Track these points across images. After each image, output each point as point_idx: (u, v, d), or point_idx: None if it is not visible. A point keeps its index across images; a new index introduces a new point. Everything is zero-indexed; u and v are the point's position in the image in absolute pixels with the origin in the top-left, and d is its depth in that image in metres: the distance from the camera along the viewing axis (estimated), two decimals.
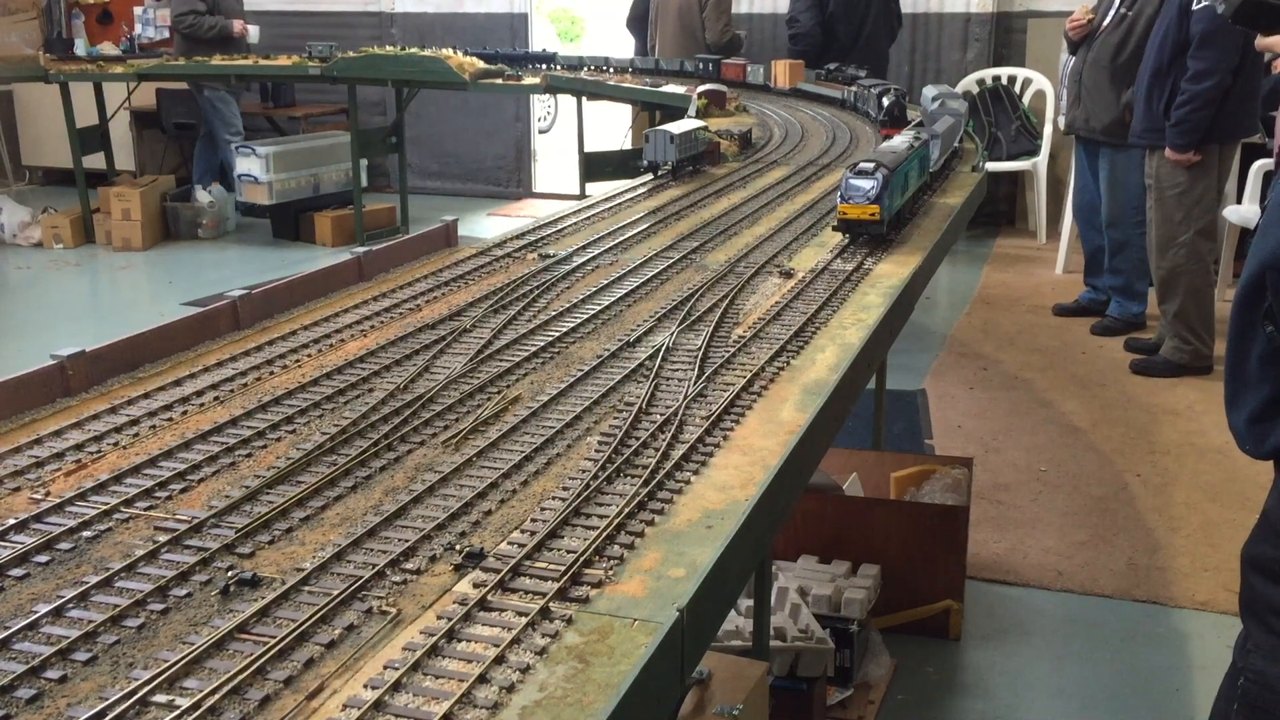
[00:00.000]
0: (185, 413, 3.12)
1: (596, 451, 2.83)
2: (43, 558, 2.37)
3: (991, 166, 10.72)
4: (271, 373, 3.43)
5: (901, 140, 5.27)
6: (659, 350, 3.45)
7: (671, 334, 3.64)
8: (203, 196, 13.00)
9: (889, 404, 6.57)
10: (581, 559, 2.30)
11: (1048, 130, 12.57)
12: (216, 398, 3.22)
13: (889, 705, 4.82)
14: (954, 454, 6.08)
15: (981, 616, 5.48)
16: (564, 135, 17.68)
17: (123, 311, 10.55)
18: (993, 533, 6.21)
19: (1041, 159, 12.55)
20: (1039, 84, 12.86)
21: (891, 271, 4.37)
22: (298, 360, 3.53)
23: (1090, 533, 6.24)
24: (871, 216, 4.51)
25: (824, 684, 4.63)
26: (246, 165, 12.53)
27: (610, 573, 2.27)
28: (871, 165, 4.51)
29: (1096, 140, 9.57)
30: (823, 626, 4.67)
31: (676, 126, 6.35)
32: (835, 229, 4.74)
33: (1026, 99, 13.03)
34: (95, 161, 13.22)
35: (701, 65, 10.78)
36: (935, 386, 8.33)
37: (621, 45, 14.08)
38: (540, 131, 17.23)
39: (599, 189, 6.01)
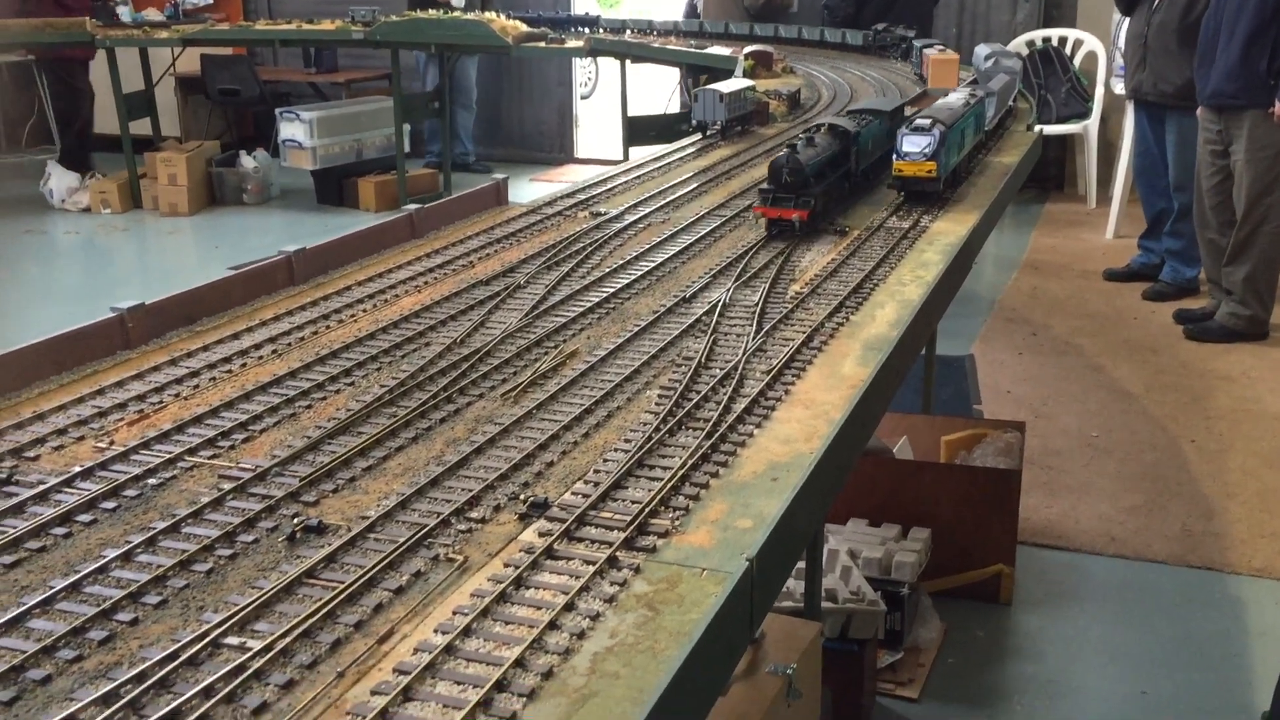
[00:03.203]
0: (244, 365, 3.13)
1: (657, 405, 2.80)
2: (109, 504, 2.38)
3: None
4: (328, 327, 3.43)
5: (957, 97, 5.18)
6: (716, 306, 3.42)
7: (728, 290, 3.61)
8: (247, 162, 13.06)
9: (937, 369, 6.50)
10: (647, 509, 2.28)
11: (1099, 92, 12.35)
12: (274, 351, 3.23)
13: (939, 668, 4.79)
14: (1004, 419, 6.01)
15: (1032, 581, 5.42)
16: (606, 101, 17.59)
17: (171, 276, 10.63)
18: (1044, 498, 6.14)
19: (1093, 122, 12.34)
20: (1090, 45, 12.63)
21: (949, 229, 4.30)
22: (353, 315, 3.53)
23: (1144, 498, 6.16)
24: (928, 174, 4.44)
25: (875, 646, 4.60)
26: (290, 130, 12.56)
27: (676, 523, 2.25)
28: (928, 121, 4.43)
29: (1164, 104, 9.39)
30: (873, 589, 4.64)
31: (725, 85, 6.28)
32: (890, 186, 4.67)
33: (1077, 60, 12.80)
34: (141, 127, 13.30)
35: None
36: (984, 352, 8.23)
37: (663, 9, 13.95)
38: (582, 97, 17.15)
39: (642, 154, 5.95)
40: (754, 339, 3.18)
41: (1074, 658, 4.79)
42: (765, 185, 4.06)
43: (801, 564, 3.92)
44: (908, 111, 5.37)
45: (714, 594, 2.00)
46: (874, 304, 3.51)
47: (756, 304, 3.46)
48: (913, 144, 4.45)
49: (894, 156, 4.50)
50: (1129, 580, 5.35)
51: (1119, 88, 11.02)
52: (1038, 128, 6.61)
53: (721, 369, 2.98)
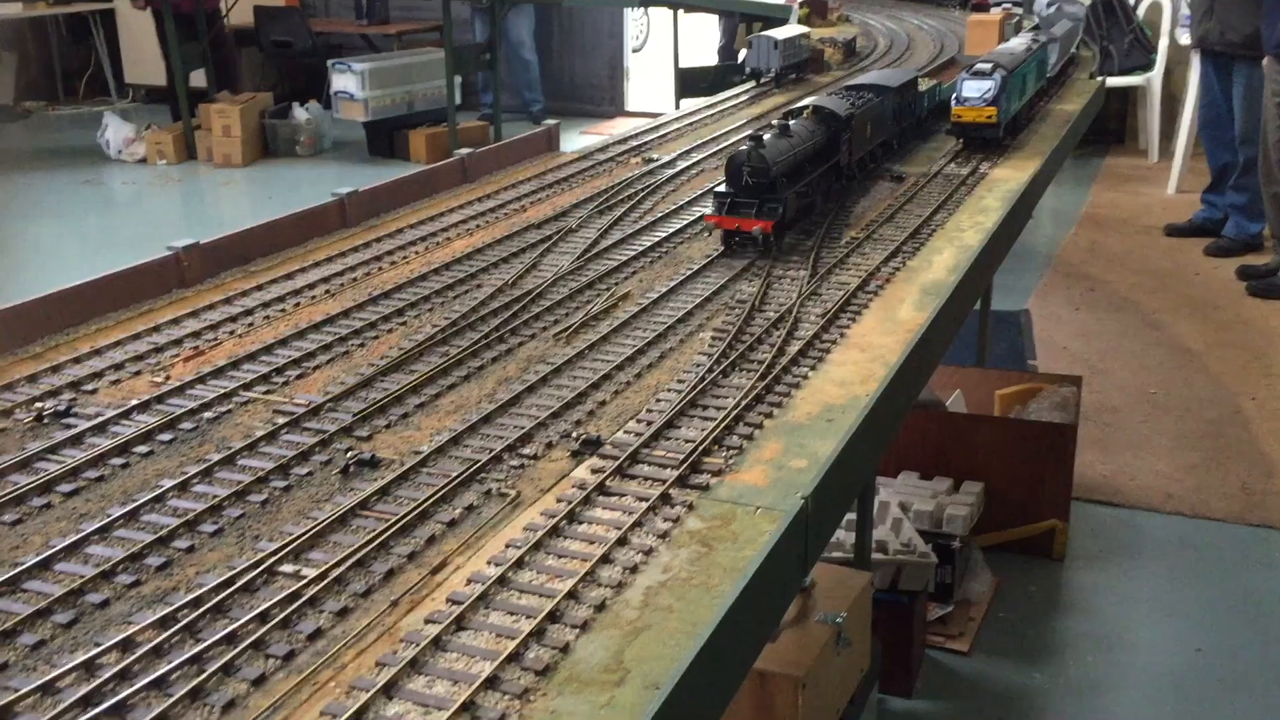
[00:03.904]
0: (297, 304, 3.14)
1: (710, 346, 2.78)
2: (166, 437, 2.40)
3: None
4: (380, 268, 3.43)
5: (1019, 42, 5.06)
6: (770, 250, 3.37)
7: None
8: (300, 114, 13.10)
9: (992, 324, 6.40)
10: (700, 448, 2.26)
11: (1163, 43, 12.03)
12: (327, 291, 3.23)
13: (990, 622, 4.76)
14: (1060, 374, 5.92)
15: (1086, 537, 5.35)
16: (656, 54, 17.42)
17: (225, 226, 10.69)
18: (1099, 454, 6.05)
19: (1156, 74, 12.04)
20: None
21: (1009, 176, 4.21)
22: (405, 257, 3.53)
23: (1202, 456, 6.05)
24: (988, 120, 4.34)
25: (925, 599, 4.57)
26: (342, 82, 12.57)
27: (730, 462, 2.23)
28: (989, 66, 4.33)
29: (1232, 54, 9.13)
30: (924, 542, 4.60)
31: (780, 32, 6.18)
32: (948, 133, 4.57)
33: (1141, 11, 12.46)
34: (196, 79, 13.37)
35: None
36: (1040, 307, 8.10)
37: None
38: (634, 50, 17.00)
39: (695, 104, 5.88)
40: (808, 283, 3.14)
41: (1128, 614, 4.73)
42: (720, 186, 3.34)
43: (851, 515, 3.89)
44: (924, 86, 4.78)
45: (768, 531, 1.98)
46: (931, 249, 3.45)
47: (811, 248, 3.41)
48: (973, 89, 4.35)
49: (953, 102, 4.40)
50: (1186, 538, 5.26)
51: (1184, 38, 10.73)
52: (1100, 78, 6.45)
53: (776, 312, 2.94)
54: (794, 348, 2.67)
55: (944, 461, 5.19)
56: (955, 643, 4.61)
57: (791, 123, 3.47)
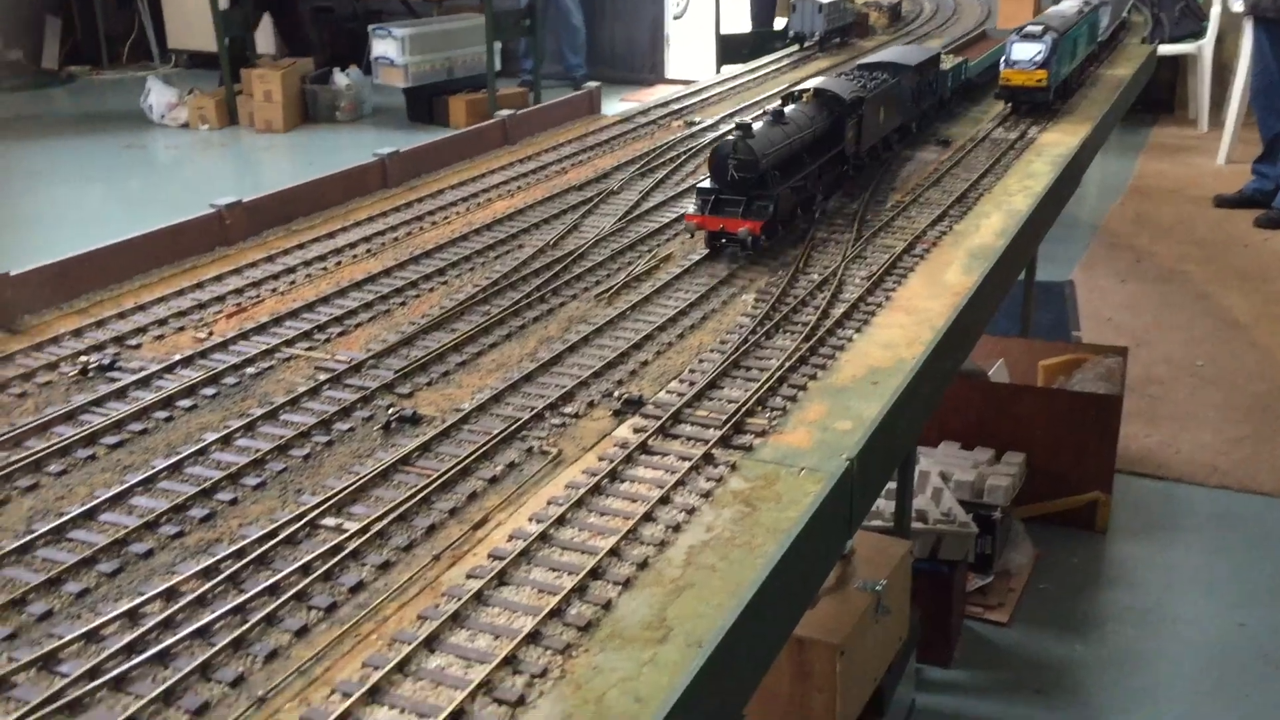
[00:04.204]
0: (339, 263, 3.13)
1: (754, 308, 2.74)
2: (209, 391, 2.41)
3: None
4: (421, 228, 3.42)
5: (1070, 4, 4.95)
6: (814, 212, 3.33)
7: (827, 197, 3.52)
8: (340, 79, 13.10)
9: (1036, 294, 6.31)
10: (744, 408, 2.24)
11: (1215, 10, 11.77)
12: (368, 250, 3.23)
13: (1030, 594, 4.71)
14: (1105, 345, 5.83)
15: (1129, 510, 5.29)
16: (697, 21, 17.26)
17: (266, 190, 10.74)
18: (1143, 426, 5.97)
19: (1207, 42, 11.79)
20: None
21: (1058, 140, 4.13)
22: (446, 217, 3.51)
23: (1250, 429, 5.95)
24: (1038, 83, 4.26)
25: (965, 569, 4.53)
26: (383, 47, 12.55)
27: (773, 423, 2.20)
28: (1039, 28, 4.24)
29: None
30: (965, 512, 4.56)
31: None
32: (997, 96, 4.49)
33: None
34: (263, 44, 13.40)
35: None
36: (1085, 278, 7.99)
37: None
38: (675, 17, 16.85)
39: (736, 70, 5.81)
40: (853, 246, 3.09)
41: (1170, 588, 4.67)
42: (704, 182, 2.98)
43: (891, 484, 3.85)
44: (948, 63, 4.42)
45: (813, 493, 1.95)
46: (979, 214, 3.40)
47: (856, 212, 3.36)
48: (1022, 52, 4.27)
49: (1001, 65, 4.32)
50: (1231, 512, 5.19)
51: (1237, 5, 10.48)
52: (1152, 43, 6.32)
53: (820, 274, 2.91)
54: (839, 310, 2.64)
55: (986, 431, 5.13)
56: (995, 613, 4.58)
57: (789, 108, 3.14)
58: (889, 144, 3.83)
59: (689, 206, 3.54)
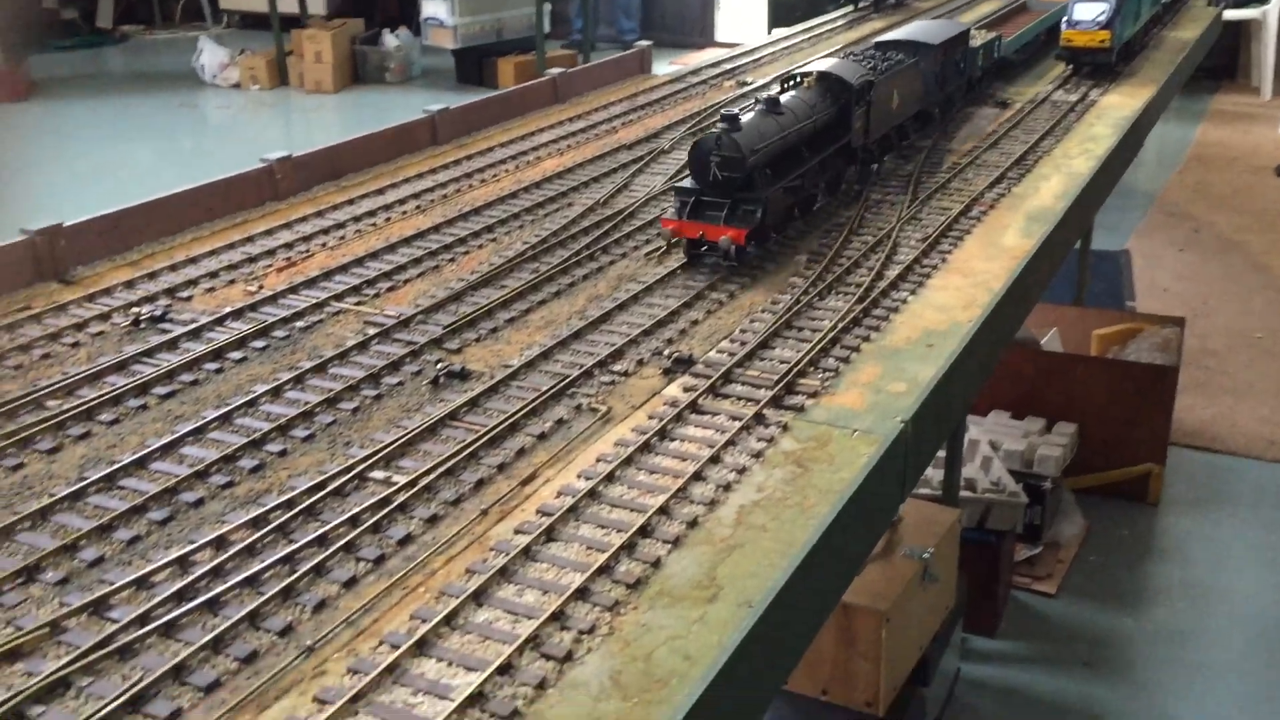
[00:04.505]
0: (388, 219, 3.12)
1: (806, 268, 2.70)
2: (259, 343, 2.41)
3: None
4: (470, 185, 3.40)
5: None
6: (868, 173, 3.27)
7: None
8: (390, 40, 13.09)
9: (1092, 263, 6.19)
10: (796, 369, 2.20)
11: None
12: (418, 206, 3.22)
13: (1080, 566, 4.65)
14: (1161, 315, 5.72)
15: (1182, 483, 5.19)
16: None
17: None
18: (1198, 398, 5.85)
19: (1273, 6, 11.47)
20: None
21: (1121, 103, 4.03)
22: (495, 175, 3.49)
23: None
24: (1100, 44, 4.15)
25: (1013, 539, 4.48)
26: (432, 8, 12.52)
27: (826, 384, 2.17)
28: None
29: None
30: (1014, 482, 4.50)
31: None
32: (1057, 58, 4.39)
33: None
34: (289, 5, 13.42)
35: None
36: (1141, 247, 7.83)
37: None
38: None
39: (787, 32, 5.72)
40: (908, 207, 3.03)
41: (1223, 562, 4.58)
42: (683, 182, 2.67)
43: (940, 452, 3.80)
44: (979, 40, 3.98)
45: (866, 454, 1.92)
46: (1038, 176, 3.32)
47: (911, 173, 3.30)
48: (1085, 12, 4.16)
49: (1063, 25, 4.22)
50: None
51: None
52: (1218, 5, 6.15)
53: (874, 235, 2.86)
54: (893, 272, 2.59)
55: (1037, 401, 5.05)
56: (1043, 584, 4.52)
57: (785, 95, 2.83)
58: (904, 133, 3.44)
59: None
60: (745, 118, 2.59)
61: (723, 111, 2.63)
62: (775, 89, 2.93)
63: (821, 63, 3.06)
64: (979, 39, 3.96)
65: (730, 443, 1.96)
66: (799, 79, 2.96)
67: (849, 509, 1.74)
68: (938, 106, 3.62)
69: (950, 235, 2.79)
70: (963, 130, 3.60)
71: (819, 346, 2.24)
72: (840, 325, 2.33)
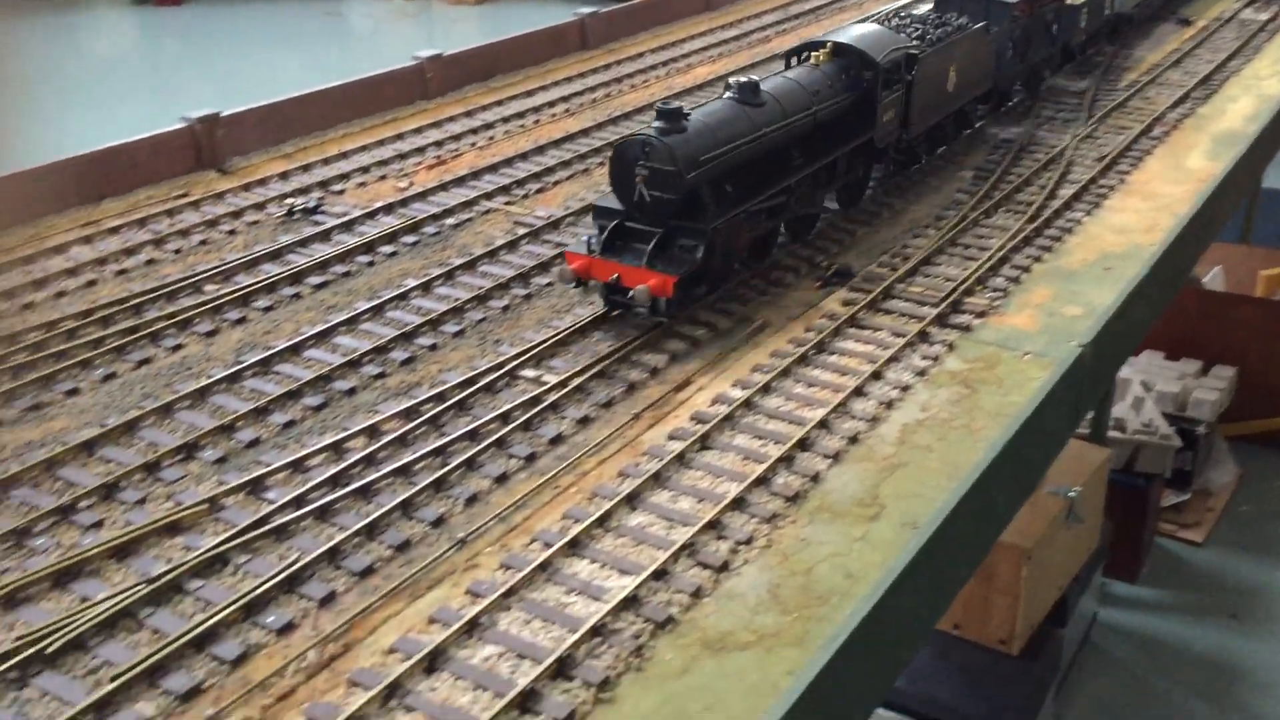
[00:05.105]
0: (537, 121, 3.08)
1: (972, 184, 2.57)
2: (409, 239, 2.40)
3: None
4: (620, 90, 3.33)
5: None
6: (1038, 88, 3.08)
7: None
8: None
9: (1262, 202, 5.82)
10: (962, 287, 2.09)
11: None
12: (567, 110, 3.17)
13: (1229, 515, 4.43)
14: None
15: None
16: None
17: None
18: None
19: None
20: None
21: None
22: (645, 81, 3.41)
23: None
24: None
25: (1161, 484, 4.29)
26: None
27: (995, 304, 2.06)
28: None
29: None
30: (1167, 425, 4.29)
31: None
32: None
33: None
34: None
35: None
36: None
37: None
38: None
39: None
40: (1084, 125, 2.86)
41: None
42: (602, 202, 2.00)
43: None
44: None
45: (1039, 379, 1.81)
46: (1225, 97, 3.10)
47: (1087, 90, 3.10)
48: None
49: None
50: None
51: None
52: None
53: (1046, 153, 2.70)
54: (1067, 191, 2.44)
55: (1194, 342, 4.80)
56: (1189, 532, 4.33)
57: (773, 79, 2.20)
58: (966, 121, 2.76)
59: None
60: (697, 114, 1.98)
61: (658, 105, 1.95)
62: (779, 66, 2.39)
63: (847, 28, 2.38)
64: None
65: (893, 359, 1.88)
66: (807, 53, 2.33)
67: (1021, 435, 1.64)
68: (1018, 79, 2.91)
69: (1129, 155, 2.62)
70: (1141, 48, 3.37)
71: (987, 265, 2.13)
72: (1010, 244, 2.20)
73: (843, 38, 2.33)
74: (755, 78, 2.13)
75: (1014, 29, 2.73)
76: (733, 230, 1.93)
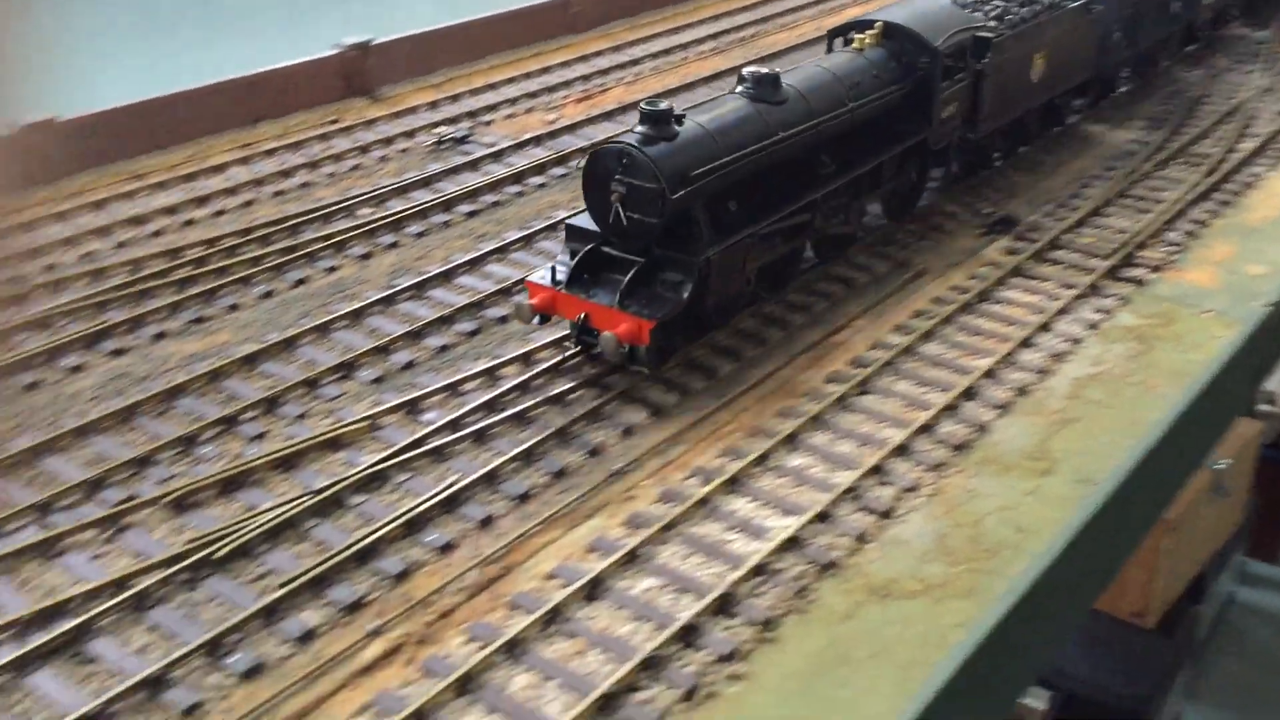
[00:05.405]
0: (684, 58, 3.04)
1: (1143, 134, 2.44)
2: (558, 170, 2.39)
3: None
4: (768, 30, 3.26)
5: None
6: (1209, 38, 2.91)
7: (1229, 22, 3.07)
8: None
9: None
10: (1136, 239, 1.99)
11: None
12: (715, 48, 3.12)
13: None
14: None
15: None
16: None
17: None
18: None
19: None
20: None
21: None
22: (796, 20, 3.33)
23: None
24: None
25: None
26: None
27: (1171, 258, 1.95)
28: None
29: None
30: None
31: None
32: None
33: None
34: None
35: None
36: None
37: None
38: None
39: None
40: (1264, 75, 2.69)
41: None
42: (579, 216, 1.71)
43: None
44: None
45: (1222, 338, 1.72)
46: None
47: (1268, 40, 2.92)
48: None
49: None
50: None
51: None
52: None
53: (1225, 105, 2.55)
54: (1249, 144, 2.30)
55: None
56: None
57: (800, 70, 1.77)
58: (1056, 116, 2.36)
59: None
60: (694, 116, 1.58)
61: (643, 105, 1.58)
62: (808, 60, 1.98)
63: (910, 2, 1.93)
64: None
65: (1063, 311, 1.80)
66: (849, 32, 1.92)
67: (1204, 394, 1.56)
68: (1125, 70, 2.43)
69: None
70: None
71: (1163, 218, 2.02)
72: (1188, 197, 2.09)
73: (897, 16, 1.93)
74: (777, 69, 1.77)
75: (1123, 7, 2.30)
76: (732, 259, 1.53)
